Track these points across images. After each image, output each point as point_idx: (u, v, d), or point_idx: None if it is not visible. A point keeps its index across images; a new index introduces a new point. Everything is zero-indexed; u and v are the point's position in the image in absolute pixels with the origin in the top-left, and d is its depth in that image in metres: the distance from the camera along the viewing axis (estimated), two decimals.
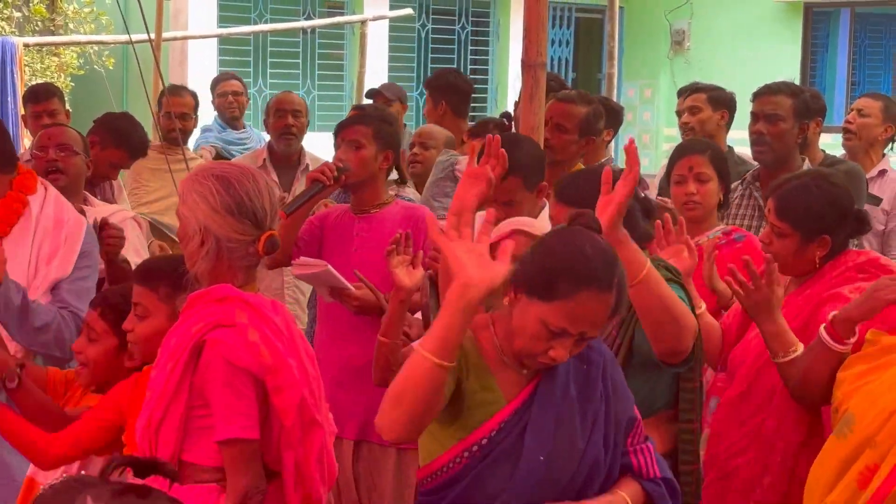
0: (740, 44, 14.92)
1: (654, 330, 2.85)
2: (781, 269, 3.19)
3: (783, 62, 14.12)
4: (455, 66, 14.31)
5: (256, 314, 2.66)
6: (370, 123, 4.06)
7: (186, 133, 6.05)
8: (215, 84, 7.69)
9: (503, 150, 3.05)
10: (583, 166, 4.68)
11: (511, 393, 2.36)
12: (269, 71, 13.32)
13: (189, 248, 2.75)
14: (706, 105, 5.58)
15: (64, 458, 3.11)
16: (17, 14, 11.17)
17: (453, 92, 6.01)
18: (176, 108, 5.74)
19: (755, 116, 4.76)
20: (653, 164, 11.64)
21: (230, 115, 7.38)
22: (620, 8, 11.05)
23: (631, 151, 2.89)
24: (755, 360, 3.30)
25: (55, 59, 11.20)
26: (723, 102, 5.64)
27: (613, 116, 5.61)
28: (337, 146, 4.20)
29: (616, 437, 2.40)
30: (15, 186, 3.71)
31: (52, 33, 11.33)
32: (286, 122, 5.79)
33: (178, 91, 6.43)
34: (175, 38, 11.10)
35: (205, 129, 7.68)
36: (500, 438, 2.32)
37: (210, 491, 2.68)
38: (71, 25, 11.57)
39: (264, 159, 5.81)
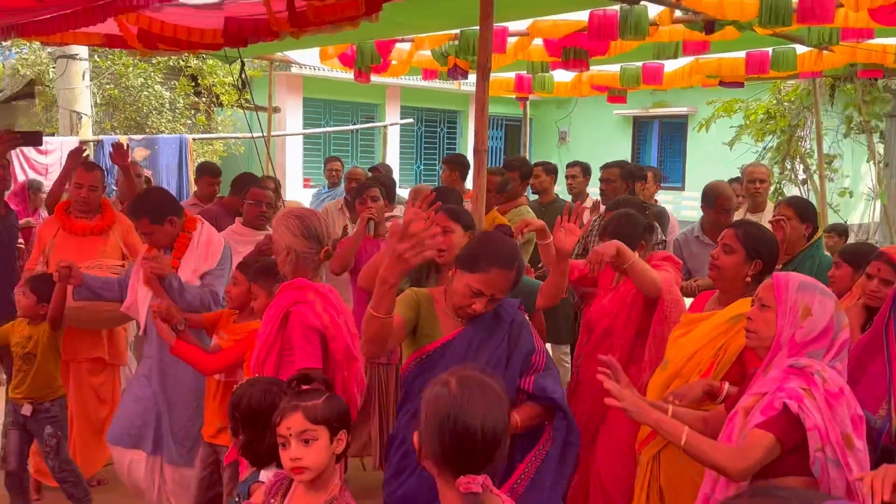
0: (596, 139, 16.87)
1: (550, 295, 3.51)
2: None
3: (620, 151, 15.51)
4: (437, 152, 16.87)
5: (320, 295, 3.10)
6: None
7: (269, 219, 5.14)
8: (326, 163, 8.74)
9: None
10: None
11: (447, 332, 2.84)
12: (331, 151, 14.99)
13: (280, 258, 3.22)
14: (579, 173, 6.68)
15: (215, 370, 3.65)
16: (189, 122, 13.36)
17: (463, 166, 6.36)
18: (263, 198, 5.20)
19: (601, 180, 5.79)
20: None
21: (331, 181, 8.32)
22: (530, 119, 11.68)
23: (575, 210, 3.40)
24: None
25: (210, 147, 13.15)
26: (587, 171, 6.66)
27: (525, 178, 6.14)
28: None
29: (515, 361, 2.82)
30: (185, 227, 4.16)
31: (209, 132, 13.41)
32: (353, 185, 6.36)
33: (263, 184, 5.63)
34: (279, 135, 12.84)
35: (319, 192, 8.69)
36: (434, 355, 2.81)
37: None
38: (219, 128, 13.86)
39: (341, 206, 6.23)
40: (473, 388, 1.87)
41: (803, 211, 4.16)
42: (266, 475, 2.57)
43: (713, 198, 5.15)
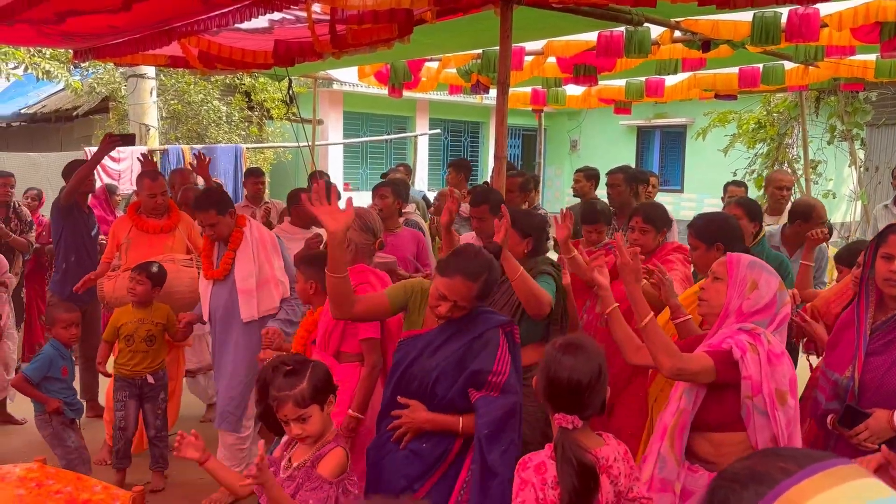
0: (604, 146, 16.83)
1: (525, 302, 3.23)
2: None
3: (625, 157, 15.42)
4: (461, 157, 16.27)
5: (377, 277, 3.22)
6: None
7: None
8: (385, 174, 8.06)
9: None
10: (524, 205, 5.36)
11: (426, 326, 2.74)
12: (367, 161, 15.63)
13: None
14: (582, 178, 6.34)
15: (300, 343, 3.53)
16: (243, 133, 13.22)
17: (466, 168, 6.52)
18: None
19: (607, 184, 5.42)
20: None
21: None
22: (545, 129, 11.84)
23: (564, 215, 3.44)
24: None
25: (261, 155, 13.07)
26: (594, 176, 6.36)
27: (536, 183, 6.35)
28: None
29: (465, 373, 2.58)
30: (238, 224, 4.19)
31: (260, 142, 13.35)
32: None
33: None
34: (322, 144, 13.35)
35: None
36: (405, 343, 2.74)
37: (355, 366, 3.14)
38: (270, 138, 13.81)
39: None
40: (568, 348, 2.13)
41: (750, 211, 4.05)
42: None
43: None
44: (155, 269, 4.37)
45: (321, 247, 4.84)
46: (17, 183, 6.35)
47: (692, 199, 15.72)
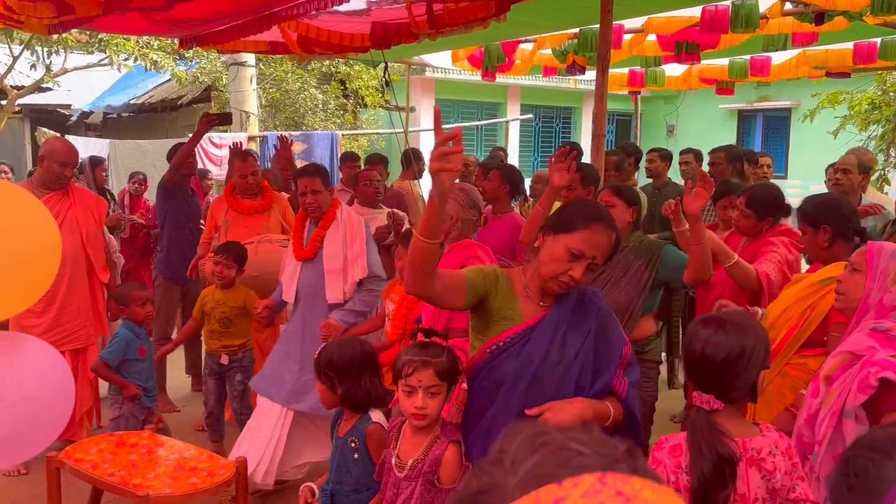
0: (702, 131, 16.08)
1: (702, 266, 3.13)
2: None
3: (725, 142, 12.40)
4: (553, 145, 16.51)
5: (484, 252, 3.12)
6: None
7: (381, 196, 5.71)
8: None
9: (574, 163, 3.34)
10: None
11: (527, 316, 2.21)
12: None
13: (445, 226, 3.16)
14: (692, 159, 6.23)
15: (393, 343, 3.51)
16: (338, 120, 13.41)
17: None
18: (372, 178, 5.43)
19: (709, 164, 5.49)
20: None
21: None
22: (640, 113, 12.23)
23: (703, 177, 3.15)
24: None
25: (356, 142, 13.22)
26: (699, 157, 6.23)
27: (638, 160, 6.31)
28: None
29: (608, 355, 2.21)
30: (332, 205, 4.15)
31: (355, 129, 13.57)
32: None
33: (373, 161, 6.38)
34: (414, 131, 13.04)
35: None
36: (512, 343, 2.19)
37: (465, 342, 2.70)
38: (364, 125, 14.11)
39: None
40: (709, 322, 2.01)
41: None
42: (375, 415, 2.61)
43: None
44: (238, 250, 4.40)
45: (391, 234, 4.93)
46: (127, 168, 6.65)
47: (796, 185, 15.04)
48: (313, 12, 4.50)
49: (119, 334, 4.07)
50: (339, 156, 10.40)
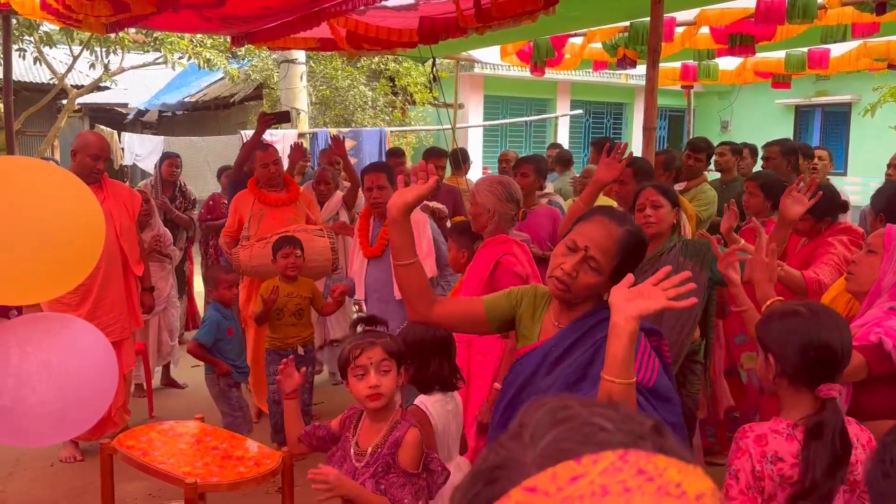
0: (758, 127, 15.47)
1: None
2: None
3: (781, 136, 13.11)
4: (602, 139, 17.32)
5: (521, 248, 3.18)
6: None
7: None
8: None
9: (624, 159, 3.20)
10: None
11: (542, 335, 2.07)
12: (507, 144, 15.39)
13: (482, 218, 3.23)
14: (729, 153, 5.86)
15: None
16: (387, 117, 13.52)
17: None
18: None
19: (762, 158, 5.45)
20: None
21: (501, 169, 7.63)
22: (694, 109, 12.10)
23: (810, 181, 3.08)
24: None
25: (404, 139, 13.42)
26: (739, 150, 6.09)
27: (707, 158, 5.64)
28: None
29: (583, 384, 1.90)
30: None
31: (404, 126, 13.59)
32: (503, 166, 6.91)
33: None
34: (462, 127, 13.33)
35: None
36: (522, 361, 2.08)
37: (496, 339, 3.02)
38: (412, 122, 14.09)
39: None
40: (822, 312, 1.95)
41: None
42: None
43: None
44: (300, 242, 4.47)
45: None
46: (182, 165, 6.71)
47: (856, 182, 14.54)
48: (361, 8, 4.54)
49: (209, 316, 4.27)
50: (386, 150, 10.32)
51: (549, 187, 5.50)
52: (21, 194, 1.55)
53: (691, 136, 10.51)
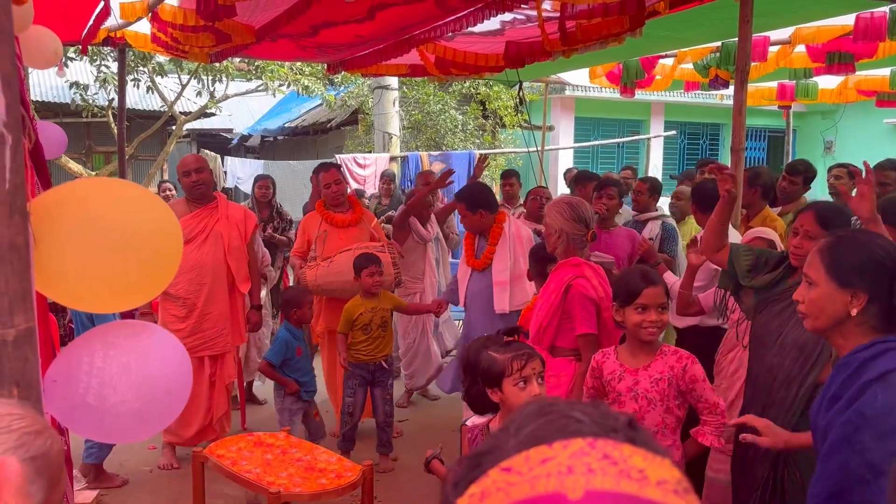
0: (864, 148, 14.23)
1: None
2: None
3: (888, 156, 14.01)
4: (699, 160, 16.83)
5: (593, 270, 3.16)
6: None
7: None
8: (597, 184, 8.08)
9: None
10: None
11: None
12: (598, 165, 15.33)
13: (552, 239, 3.25)
14: (846, 176, 5.58)
15: None
16: (477, 140, 13.75)
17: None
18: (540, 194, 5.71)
19: (880, 185, 4.83)
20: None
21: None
22: (794, 129, 12.35)
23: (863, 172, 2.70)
24: None
25: (493, 161, 13.17)
26: (853, 174, 4.63)
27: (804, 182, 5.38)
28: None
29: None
30: (497, 220, 4.55)
31: (493, 149, 13.55)
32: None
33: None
34: (551, 149, 13.03)
35: None
36: None
37: (569, 361, 3.11)
38: (502, 145, 14.20)
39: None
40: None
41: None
42: (473, 419, 2.60)
43: None
44: (378, 258, 4.57)
45: None
46: (280, 186, 6.87)
47: None
48: (449, 34, 4.65)
49: (280, 336, 4.45)
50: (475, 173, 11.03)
51: (664, 207, 5.55)
52: (104, 211, 1.68)
53: (790, 157, 10.57)
